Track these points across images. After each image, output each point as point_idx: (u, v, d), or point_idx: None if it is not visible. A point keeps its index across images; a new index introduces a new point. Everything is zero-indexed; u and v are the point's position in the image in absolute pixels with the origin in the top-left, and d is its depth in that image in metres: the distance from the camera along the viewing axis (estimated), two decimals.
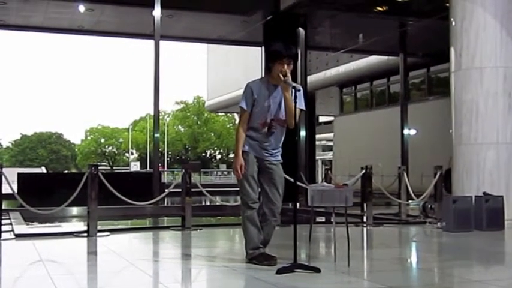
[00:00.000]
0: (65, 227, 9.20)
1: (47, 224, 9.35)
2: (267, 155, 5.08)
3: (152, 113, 13.60)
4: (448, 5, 9.26)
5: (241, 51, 23.75)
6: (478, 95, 8.81)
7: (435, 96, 21.25)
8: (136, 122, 71.76)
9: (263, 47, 14.88)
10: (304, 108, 5.10)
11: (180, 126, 69.80)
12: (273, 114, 5.03)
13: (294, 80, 5.15)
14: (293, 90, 4.85)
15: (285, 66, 4.94)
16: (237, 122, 6.14)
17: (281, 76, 4.91)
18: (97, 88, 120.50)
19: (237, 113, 5.16)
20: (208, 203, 13.31)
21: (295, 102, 4.87)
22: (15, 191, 8.39)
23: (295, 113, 4.90)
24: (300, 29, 13.72)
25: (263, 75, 5.19)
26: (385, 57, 20.80)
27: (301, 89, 5.07)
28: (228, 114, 59.99)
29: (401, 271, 5.35)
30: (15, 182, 12.19)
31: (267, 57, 5.16)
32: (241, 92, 5.22)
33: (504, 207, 8.13)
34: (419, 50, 17.63)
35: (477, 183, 8.63)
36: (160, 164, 58.59)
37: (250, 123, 5.06)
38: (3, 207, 7.57)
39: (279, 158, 5.14)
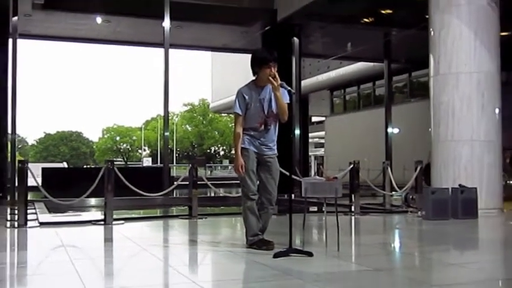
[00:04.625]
0: (84, 216, 9.20)
1: (68, 213, 9.36)
2: (266, 149, 5.10)
3: (162, 114, 13.60)
4: (427, 16, 9.26)
5: (242, 58, 23.70)
6: (454, 97, 8.81)
7: (416, 99, 21.26)
8: (148, 122, 71.80)
9: None
10: (288, 101, 5.03)
11: (187, 126, 69.83)
12: (266, 112, 5.05)
13: (289, 83, 5.13)
14: (286, 92, 4.97)
15: (272, 69, 4.95)
16: None
17: (271, 79, 4.92)
18: (113, 91, 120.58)
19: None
20: (212, 195, 13.29)
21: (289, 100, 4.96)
22: (40, 183, 8.41)
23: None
24: (295, 38, 13.72)
25: (251, 80, 5.17)
26: (371, 64, 20.81)
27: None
28: (230, 115, 59.96)
29: (386, 255, 5.36)
30: (40, 176, 12.20)
31: (253, 64, 5.09)
32: None
33: (478, 198, 8.16)
34: (401, 57, 17.63)
35: (453, 176, 8.64)
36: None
37: (249, 124, 5.05)
38: (29, 198, 7.59)
39: (275, 151, 5.17)
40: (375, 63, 19.59)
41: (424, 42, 9.39)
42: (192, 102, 70.73)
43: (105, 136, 73.70)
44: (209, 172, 42.36)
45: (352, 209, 8.76)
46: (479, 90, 8.74)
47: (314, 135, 35.15)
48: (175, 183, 9.54)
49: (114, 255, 5.40)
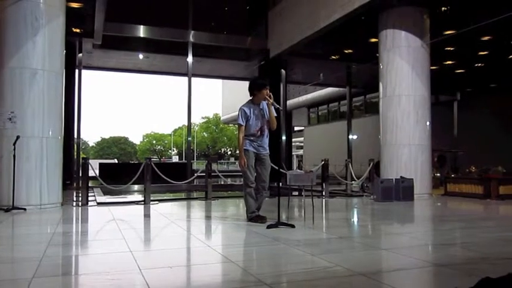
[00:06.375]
0: (129, 198, 9.18)
1: (118, 196, 9.34)
2: (262, 149, 5.12)
3: (186, 124, 13.59)
4: (377, 55, 9.29)
5: (244, 84, 23.71)
6: (397, 113, 8.84)
7: (369, 114, 21.28)
8: (176, 130, 71.65)
9: None
10: (276, 115, 5.12)
11: (204, 133, 69.67)
12: (261, 121, 5.08)
13: (278, 102, 5.15)
14: (273, 109, 5.03)
15: (268, 91, 5.02)
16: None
17: (267, 97, 4.98)
18: (150, 107, 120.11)
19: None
20: (222, 183, 13.28)
21: (277, 114, 5.07)
22: (97, 174, 8.39)
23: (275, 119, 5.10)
24: (282, 70, 13.72)
25: (249, 99, 5.23)
26: (337, 88, 20.82)
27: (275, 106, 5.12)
28: (236, 125, 59.62)
29: (347, 227, 5.35)
30: (97, 169, 12.18)
31: (253, 88, 5.12)
32: None
33: (414, 186, 8.18)
34: (359, 83, 17.64)
35: (396, 170, 8.67)
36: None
37: (249, 131, 5.07)
38: (89, 185, 7.56)
39: (268, 151, 5.19)
40: (340, 88, 19.61)
41: (375, 73, 9.42)
42: (208, 115, 70.72)
43: (145, 140, 73.48)
44: (224, 166, 42.35)
45: (323, 193, 8.78)
46: (415, 108, 8.77)
47: (296, 140, 35.15)
48: (195, 174, 9.52)
49: (150, 226, 5.39)
